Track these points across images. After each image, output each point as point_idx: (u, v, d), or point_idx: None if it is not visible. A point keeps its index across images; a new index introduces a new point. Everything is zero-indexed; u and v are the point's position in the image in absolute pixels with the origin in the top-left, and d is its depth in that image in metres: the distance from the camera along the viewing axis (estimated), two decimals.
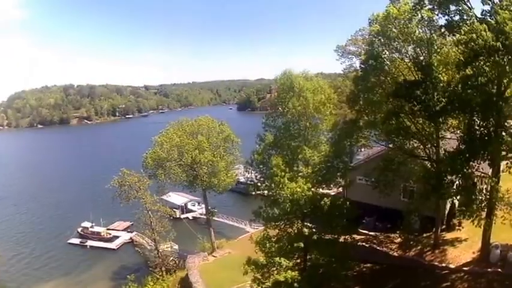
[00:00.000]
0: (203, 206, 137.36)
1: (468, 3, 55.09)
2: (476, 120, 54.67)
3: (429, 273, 64.96)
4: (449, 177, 57.00)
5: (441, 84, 59.50)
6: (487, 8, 53.72)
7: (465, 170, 55.25)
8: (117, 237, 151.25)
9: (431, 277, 64.11)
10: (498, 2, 52.60)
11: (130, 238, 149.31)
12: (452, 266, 64.66)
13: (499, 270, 60.18)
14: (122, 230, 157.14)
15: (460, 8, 54.86)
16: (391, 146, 68.45)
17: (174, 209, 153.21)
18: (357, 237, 72.61)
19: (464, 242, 68.81)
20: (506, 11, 50.20)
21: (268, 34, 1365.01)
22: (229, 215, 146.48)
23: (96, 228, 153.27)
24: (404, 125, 63.39)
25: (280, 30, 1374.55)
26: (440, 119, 61.52)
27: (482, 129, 54.20)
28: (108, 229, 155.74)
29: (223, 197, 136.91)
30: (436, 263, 66.29)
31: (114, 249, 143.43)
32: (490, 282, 58.48)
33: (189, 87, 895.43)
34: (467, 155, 54.28)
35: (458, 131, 61.87)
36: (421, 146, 66.01)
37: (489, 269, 60.92)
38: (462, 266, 63.98)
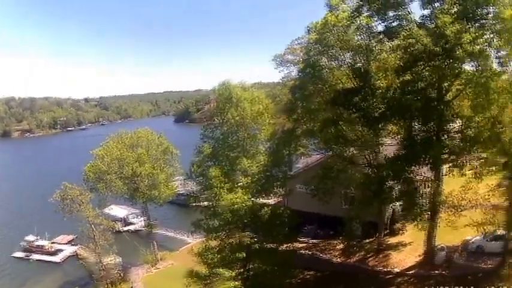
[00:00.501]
0: (144, 218, 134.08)
1: (407, 9, 55.02)
2: (417, 125, 54.00)
3: (373, 278, 63.79)
4: (390, 183, 56.17)
5: (380, 91, 58.19)
6: (426, 12, 54.32)
7: (406, 175, 54.44)
8: (62, 250, 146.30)
9: (376, 282, 62.98)
10: (439, 6, 52.69)
11: (75, 251, 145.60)
12: (397, 270, 63.77)
13: (445, 272, 59.51)
14: (66, 244, 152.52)
15: (399, 13, 54.87)
16: (330, 153, 67.12)
17: (116, 222, 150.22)
18: (299, 245, 71.77)
19: (408, 245, 68.22)
20: (447, 15, 49.80)
21: (206, 44, 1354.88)
22: (171, 227, 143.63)
23: (41, 242, 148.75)
24: (343, 132, 62.12)
25: (218, 40, 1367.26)
26: (380, 125, 60.22)
27: (422, 133, 53.55)
28: (52, 242, 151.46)
29: (164, 208, 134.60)
30: (380, 268, 65.32)
31: (58, 262, 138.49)
32: (437, 284, 57.02)
33: (129, 99, 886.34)
34: (407, 160, 53.46)
35: (398, 137, 61.00)
36: (361, 153, 64.77)
37: (435, 271, 60.14)
38: (407, 269, 63.20)
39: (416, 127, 55.11)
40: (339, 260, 69.65)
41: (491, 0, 49.20)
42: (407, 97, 52.49)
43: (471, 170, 54.61)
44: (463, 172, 54.72)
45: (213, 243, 64.03)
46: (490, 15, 50.65)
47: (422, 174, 57.93)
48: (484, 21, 51.01)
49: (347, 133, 62.59)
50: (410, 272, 62.34)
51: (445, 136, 55.17)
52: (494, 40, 50.08)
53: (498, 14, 48.44)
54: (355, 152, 65.20)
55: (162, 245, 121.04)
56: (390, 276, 63.21)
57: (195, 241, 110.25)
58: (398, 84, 55.21)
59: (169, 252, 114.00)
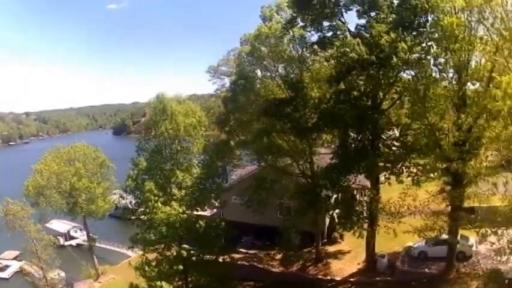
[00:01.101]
0: (85, 232, 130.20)
1: (342, 19, 53.88)
2: (351, 134, 52.59)
3: (314, 286, 62.11)
4: (324, 192, 55.05)
5: (312, 101, 57.14)
6: (362, 22, 53.20)
7: (341, 184, 53.29)
8: (8, 266, 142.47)
9: None
10: (375, 16, 51.22)
11: (20, 267, 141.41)
12: (337, 278, 62.00)
13: (388, 278, 58.26)
14: (12, 259, 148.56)
15: (334, 23, 53.71)
16: (263, 164, 65.49)
17: (58, 237, 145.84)
18: (236, 256, 68.43)
19: (348, 253, 66.44)
20: (382, 24, 48.65)
21: (144, 54, 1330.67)
22: (111, 241, 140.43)
23: None
24: (276, 142, 60.89)
25: (153, 51, 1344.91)
26: (313, 135, 59.24)
27: (357, 142, 52.40)
28: None
29: (104, 222, 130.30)
30: (320, 276, 63.31)
31: (6, 278, 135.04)
32: None
33: (67, 112, 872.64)
34: (342, 169, 52.42)
35: (332, 146, 60.13)
36: (294, 163, 63.31)
37: (377, 278, 58.86)
38: (348, 277, 61.62)
39: (350, 136, 53.55)
40: (277, 269, 67.10)
41: (430, 8, 48.13)
42: (340, 106, 51.15)
43: (409, 177, 52.97)
44: (400, 179, 53.15)
45: (152, 256, 61.36)
46: (428, 23, 49.74)
47: (358, 182, 56.50)
48: (422, 29, 49.98)
49: (280, 143, 61.26)
50: (353, 280, 60.77)
51: (381, 144, 54.09)
52: (433, 48, 48.74)
53: (437, 22, 47.06)
54: (288, 162, 63.66)
55: (104, 259, 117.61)
56: (332, 284, 61.61)
57: (135, 254, 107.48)
58: (332, 94, 53.57)
59: (110, 266, 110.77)
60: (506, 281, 47.63)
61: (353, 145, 53.11)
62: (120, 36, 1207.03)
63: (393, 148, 54.69)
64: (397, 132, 56.46)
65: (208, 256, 60.56)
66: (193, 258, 59.45)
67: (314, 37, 57.18)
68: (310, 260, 66.59)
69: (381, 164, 53.36)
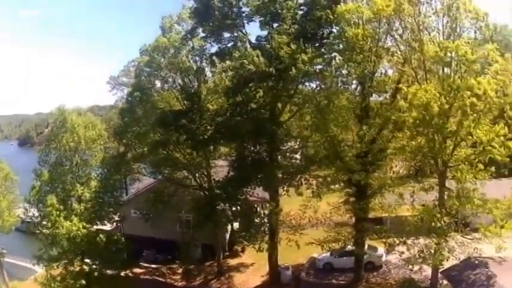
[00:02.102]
0: None
1: (244, 30, 51.25)
2: (248, 146, 49.55)
3: None
4: (222, 205, 51.40)
5: (208, 113, 53.70)
6: (264, 33, 50.55)
7: (238, 196, 50.11)
8: None
9: None
10: (277, 27, 48.65)
11: None
12: None
13: None
14: None
15: (235, 34, 51.04)
16: (160, 177, 61.25)
17: None
18: (139, 270, 64.05)
19: (250, 266, 61.91)
20: (283, 36, 46.12)
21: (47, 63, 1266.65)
22: (20, 255, 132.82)
23: None
24: (173, 155, 56.91)
25: (60, 59, 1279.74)
26: (210, 148, 55.30)
27: (254, 154, 49.41)
28: None
29: (11, 237, 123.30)
30: None
31: None
32: None
33: None
34: (239, 181, 49.41)
35: (229, 158, 56.59)
36: (191, 176, 59.29)
37: None
38: None
39: (247, 148, 50.34)
40: (180, 284, 62.02)
41: (335, 19, 44.95)
42: (237, 119, 47.79)
43: (308, 189, 49.39)
44: (300, 192, 49.96)
45: (57, 271, 57.24)
46: (332, 35, 47.14)
47: (257, 195, 53.53)
48: (325, 40, 47.84)
49: (176, 156, 57.29)
50: None
51: (280, 156, 51.13)
52: (336, 59, 46.29)
53: (341, 33, 44.40)
54: (185, 174, 59.56)
55: (12, 274, 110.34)
56: None
57: (42, 269, 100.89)
58: (228, 106, 50.08)
59: (19, 282, 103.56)
60: None
61: (250, 157, 49.79)
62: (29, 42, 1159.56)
63: (292, 160, 51.69)
64: (294, 144, 53.33)
65: (110, 271, 56.68)
66: (95, 273, 56.06)
67: (214, 48, 53.78)
68: (213, 274, 61.85)
69: (280, 176, 50.38)
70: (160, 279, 63.80)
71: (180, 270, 63.94)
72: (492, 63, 39.61)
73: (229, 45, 51.11)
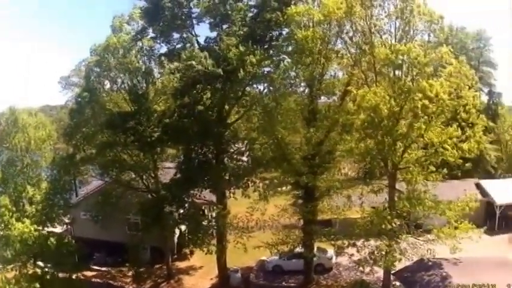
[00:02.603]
0: None
1: (193, 31, 49.11)
2: (195, 148, 47.39)
3: None
4: (168, 207, 48.87)
5: (156, 114, 51.27)
6: (213, 34, 48.86)
7: (184, 199, 48.08)
8: None
9: None
10: (226, 28, 47.15)
11: None
12: None
13: None
14: None
15: (185, 35, 48.71)
16: (108, 179, 58.30)
17: None
18: (90, 273, 61.22)
19: (199, 269, 59.72)
20: (232, 38, 44.40)
21: None
22: None
23: None
24: (120, 157, 54.09)
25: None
26: (157, 149, 53.04)
27: (200, 156, 47.28)
28: None
29: None
30: None
31: None
32: None
33: None
34: (186, 184, 46.90)
35: (177, 160, 54.54)
36: (139, 178, 56.56)
37: None
38: None
39: (194, 150, 48.13)
40: (131, 287, 59.89)
41: (285, 21, 43.80)
42: (184, 120, 45.67)
43: (255, 191, 47.40)
44: (247, 194, 48.02)
45: (11, 274, 53.21)
46: (281, 37, 46.09)
47: (204, 197, 51.37)
48: (274, 43, 46.16)
49: (124, 158, 54.70)
50: None
51: (226, 158, 49.29)
52: (285, 61, 45.21)
53: (291, 35, 43.20)
54: (133, 176, 56.83)
55: None
56: None
57: None
58: (176, 108, 48.01)
59: None
60: None
61: (197, 159, 47.69)
62: None
63: (239, 162, 49.84)
64: (241, 146, 51.52)
65: (62, 274, 53.44)
66: (48, 276, 52.54)
67: (163, 49, 51.43)
68: (162, 277, 59.64)
69: (227, 178, 48.53)
70: (112, 282, 61.58)
71: (130, 273, 61.76)
72: (446, 66, 38.89)
73: (178, 46, 48.74)
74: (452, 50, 40.18)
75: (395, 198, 42.19)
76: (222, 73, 43.13)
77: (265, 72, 45.25)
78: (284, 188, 47.14)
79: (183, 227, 56.73)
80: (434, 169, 40.21)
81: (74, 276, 54.07)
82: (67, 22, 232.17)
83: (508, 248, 55.32)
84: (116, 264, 64.20)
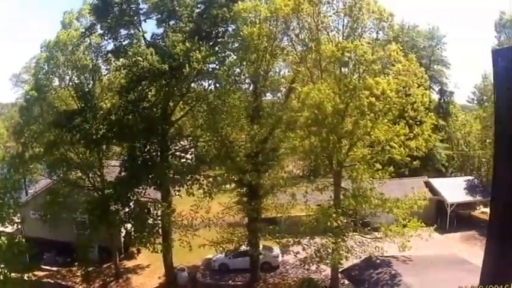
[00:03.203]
0: None
1: (140, 28, 47.11)
2: (139, 145, 45.18)
3: None
4: (114, 206, 46.57)
5: (101, 112, 48.77)
6: (160, 31, 46.70)
7: (130, 197, 45.84)
8: None
9: None
10: (173, 24, 45.47)
11: None
12: None
13: None
14: None
15: (132, 32, 46.67)
16: (56, 178, 55.68)
17: None
18: (41, 273, 58.43)
19: (147, 268, 57.50)
20: (178, 34, 42.73)
21: None
22: None
23: None
24: (67, 155, 51.54)
25: None
26: (103, 147, 50.74)
27: (144, 154, 45.12)
28: None
29: None
30: None
31: None
32: None
33: None
34: (130, 182, 44.92)
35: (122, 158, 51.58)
36: (85, 176, 54.06)
37: None
38: None
39: (139, 148, 45.92)
40: (81, 287, 57.24)
41: (231, 18, 42.83)
42: (129, 118, 43.75)
43: (200, 189, 45.94)
44: (191, 192, 46.21)
45: None
46: (227, 34, 45.09)
47: (148, 195, 49.04)
48: (220, 39, 44.92)
49: (71, 156, 52.19)
50: None
51: (170, 156, 47.30)
52: (228, 58, 43.74)
53: (237, 32, 42.16)
54: (80, 175, 54.40)
55: None
56: None
57: None
58: (121, 105, 45.75)
59: None
60: None
61: (141, 157, 45.57)
62: None
63: (183, 160, 48.11)
64: (186, 144, 50.10)
65: (14, 274, 49.63)
66: (1, 276, 48.82)
67: (111, 46, 49.06)
68: (111, 276, 57.53)
69: (171, 175, 46.49)
70: (62, 282, 58.99)
71: (79, 273, 58.84)
72: (395, 64, 37.92)
73: (125, 42, 46.63)
74: (402, 48, 39.34)
75: (341, 196, 40.88)
76: (167, 69, 41.38)
77: (211, 69, 43.93)
78: (228, 186, 45.59)
79: (129, 226, 54.62)
80: (380, 167, 39.12)
81: (25, 277, 51.10)
82: (20, 16, 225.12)
83: (460, 246, 53.97)
84: (65, 264, 62.26)
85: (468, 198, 62.84)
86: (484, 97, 73.54)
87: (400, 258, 40.33)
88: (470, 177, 69.55)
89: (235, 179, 43.96)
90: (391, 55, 37.61)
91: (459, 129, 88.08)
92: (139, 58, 41.46)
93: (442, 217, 59.90)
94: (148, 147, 45.73)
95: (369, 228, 44.50)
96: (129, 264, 59.46)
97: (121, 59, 44.31)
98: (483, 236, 55.02)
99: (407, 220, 39.38)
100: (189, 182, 46.16)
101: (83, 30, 49.31)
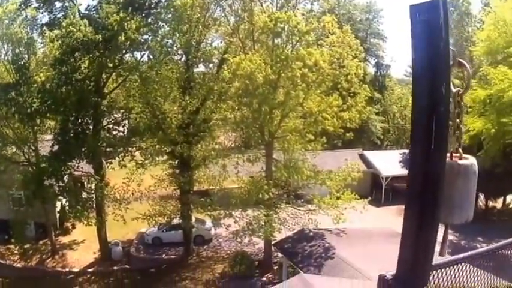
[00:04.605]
0: None
1: (75, 0, 44.68)
2: (72, 118, 43.03)
3: (56, 280, 50.27)
4: (48, 180, 44.22)
5: (36, 85, 46.08)
6: (95, 3, 44.76)
7: (63, 171, 43.54)
8: None
9: (59, 284, 49.93)
10: None
11: None
12: (76, 269, 50.66)
13: (126, 266, 48.87)
14: None
15: (67, 4, 44.22)
16: None
17: None
18: None
19: (81, 243, 54.87)
20: (112, 5, 40.84)
21: None
22: None
23: None
24: (2, 131, 48.79)
25: None
26: (37, 121, 47.80)
27: (76, 127, 42.98)
28: None
29: None
30: (59, 269, 51.62)
31: None
32: (120, 279, 47.64)
33: None
34: (63, 155, 42.86)
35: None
36: (20, 151, 50.90)
37: (115, 267, 49.06)
38: (86, 267, 50.68)
39: (71, 121, 43.49)
40: (19, 264, 54.11)
41: None
42: (62, 90, 41.44)
43: (132, 161, 43.90)
44: (123, 164, 44.10)
45: None
46: (160, 4, 42.48)
47: (81, 168, 46.49)
48: (153, 10, 42.33)
49: (5, 131, 49.00)
50: (91, 270, 50.23)
51: (103, 129, 45.02)
52: (161, 29, 42.41)
53: (170, 3, 40.36)
54: (15, 150, 50.96)
55: None
56: (71, 276, 50.36)
57: None
58: (54, 77, 43.27)
59: None
60: (256, 262, 43.20)
61: (73, 130, 43.26)
62: None
63: (115, 132, 45.67)
64: (120, 116, 47.58)
65: None
66: None
67: (46, 18, 46.70)
68: (48, 253, 54.84)
69: (104, 148, 44.65)
70: (1, 261, 55.73)
71: (16, 251, 56.17)
72: (329, 35, 37.38)
73: (60, 15, 44.51)
74: (337, 20, 39.33)
75: (273, 168, 39.75)
76: (100, 40, 39.87)
77: (144, 40, 41.97)
78: (160, 158, 43.88)
79: (63, 201, 52.43)
80: (313, 138, 38.29)
81: None
82: None
83: (395, 219, 52.54)
84: (2, 242, 58.48)
85: (404, 172, 60.75)
86: None
87: (334, 231, 39.06)
88: (406, 151, 68.17)
89: (167, 151, 42.56)
90: (326, 26, 36.95)
91: (395, 102, 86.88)
92: (73, 29, 39.80)
93: (378, 190, 58.73)
94: (80, 120, 43.78)
95: (303, 200, 43.60)
96: (65, 240, 57.26)
97: (55, 31, 42.55)
98: None
99: (341, 192, 38.54)
100: (121, 154, 44.53)
101: (19, 3, 46.72)
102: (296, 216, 39.83)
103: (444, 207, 3.69)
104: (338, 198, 38.15)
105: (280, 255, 41.08)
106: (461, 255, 4.66)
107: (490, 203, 54.21)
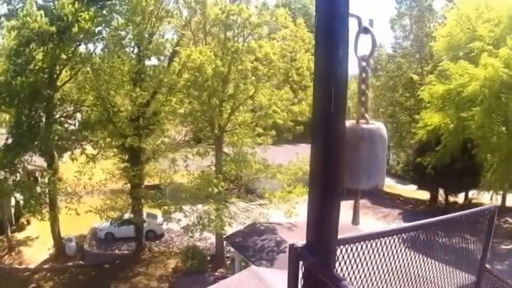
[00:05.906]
0: None
1: None
2: (25, 111, 42.17)
3: (13, 278, 48.55)
4: (2, 174, 43.51)
5: None
6: None
7: (18, 165, 42.84)
8: None
9: (16, 281, 47.80)
10: None
11: None
12: (32, 266, 49.49)
13: (81, 262, 47.88)
14: None
15: None
16: None
17: None
18: None
19: (36, 240, 53.98)
20: None
21: None
22: None
23: None
24: None
25: None
26: None
27: (29, 120, 42.22)
28: None
29: None
30: (16, 266, 50.22)
31: None
32: (75, 276, 45.89)
33: None
34: (17, 149, 41.78)
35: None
36: None
37: (70, 263, 48.02)
38: (42, 264, 49.41)
39: (24, 114, 42.71)
40: None
41: None
42: (16, 83, 40.57)
43: (82, 154, 43.22)
44: (74, 157, 43.59)
45: None
46: None
47: (34, 162, 45.51)
48: (109, 2, 41.11)
49: None
50: (46, 267, 48.83)
51: (55, 122, 43.94)
52: (116, 20, 40.89)
53: None
54: None
55: None
56: (28, 273, 49.04)
57: None
58: (8, 69, 42.47)
59: None
60: (209, 257, 42.81)
61: (26, 123, 42.65)
62: None
63: (66, 125, 45.35)
64: (71, 109, 47.10)
65: None
66: None
67: (4, 9, 46.04)
68: (4, 249, 53.46)
69: (56, 142, 43.72)
70: None
71: None
72: (282, 29, 37.51)
73: (18, 6, 44.13)
74: (291, 13, 39.51)
75: (223, 162, 39.65)
76: (55, 31, 39.40)
77: (97, 32, 41.35)
78: (111, 151, 43.56)
79: (18, 196, 51.61)
80: (262, 131, 38.64)
81: None
82: None
83: (349, 212, 52.23)
84: None
85: None
86: (378, 66, 70.86)
87: (285, 225, 39.00)
88: None
89: (118, 144, 41.97)
90: (279, 20, 36.87)
91: (351, 97, 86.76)
92: (29, 20, 39.25)
93: None
94: (34, 113, 43.25)
95: (254, 194, 43.30)
96: (20, 236, 56.31)
97: (11, 21, 41.86)
98: (375, 204, 54.55)
99: (292, 186, 38.29)
100: (73, 148, 44.30)
101: None
102: (247, 210, 39.88)
103: (349, 172, 3.88)
104: (290, 192, 38.04)
105: (232, 249, 40.97)
106: (373, 231, 4.82)
107: (452, 199, 54.11)
